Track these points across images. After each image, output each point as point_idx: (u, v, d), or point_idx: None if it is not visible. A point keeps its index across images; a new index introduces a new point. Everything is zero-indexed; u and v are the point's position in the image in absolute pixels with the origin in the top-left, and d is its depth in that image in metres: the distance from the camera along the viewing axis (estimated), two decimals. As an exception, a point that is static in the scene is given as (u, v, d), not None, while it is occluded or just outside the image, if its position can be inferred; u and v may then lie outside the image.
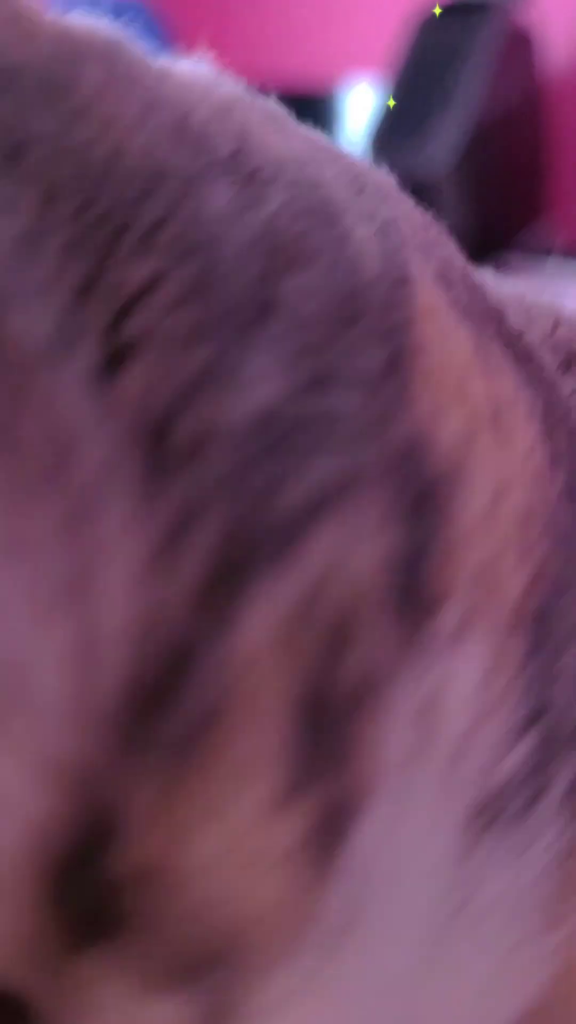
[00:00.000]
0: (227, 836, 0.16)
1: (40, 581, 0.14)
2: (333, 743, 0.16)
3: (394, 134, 1.23)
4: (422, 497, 0.17)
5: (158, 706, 0.15)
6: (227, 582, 0.15)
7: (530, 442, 0.18)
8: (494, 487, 0.18)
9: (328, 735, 0.16)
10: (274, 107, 0.21)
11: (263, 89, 0.20)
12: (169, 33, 1.35)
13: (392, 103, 1.24)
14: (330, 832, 0.16)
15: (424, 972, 0.18)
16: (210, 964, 0.16)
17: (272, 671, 0.16)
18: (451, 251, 0.21)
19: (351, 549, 0.16)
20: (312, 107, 1.44)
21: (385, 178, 0.21)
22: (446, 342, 0.18)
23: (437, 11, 1.26)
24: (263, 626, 0.15)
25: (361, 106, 1.42)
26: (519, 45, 1.27)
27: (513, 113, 1.29)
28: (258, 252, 0.17)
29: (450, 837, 0.17)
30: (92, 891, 0.15)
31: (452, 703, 0.17)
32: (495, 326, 0.20)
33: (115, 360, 0.15)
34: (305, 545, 0.16)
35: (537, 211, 1.35)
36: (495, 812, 0.18)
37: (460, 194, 1.23)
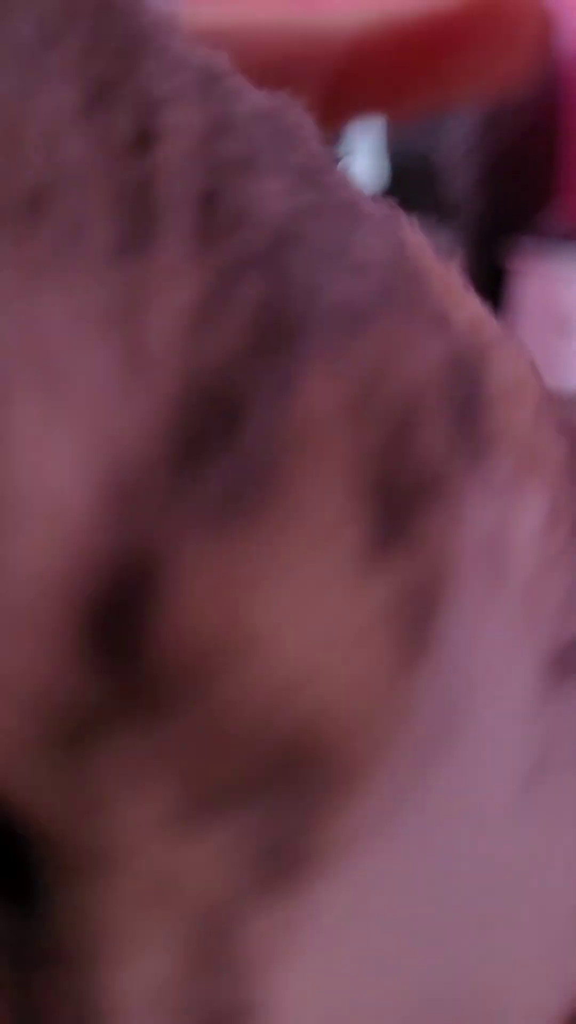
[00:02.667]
0: (299, 598, 0.14)
1: (89, 303, 0.14)
2: (407, 526, 0.15)
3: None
4: (466, 353, 0.17)
5: (207, 450, 0.14)
6: (282, 343, 0.15)
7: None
8: (519, 373, 0.18)
9: (401, 519, 0.15)
10: None
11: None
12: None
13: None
14: (415, 613, 0.15)
15: (499, 852, 0.15)
16: (276, 771, 0.14)
17: (336, 440, 0.15)
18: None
19: (413, 344, 0.16)
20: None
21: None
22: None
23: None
24: (325, 397, 0.15)
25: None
26: (536, 27, 1.26)
27: (529, 95, 1.29)
28: None
29: (528, 680, 0.16)
30: (130, 644, 0.13)
31: (518, 541, 0.16)
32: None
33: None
34: (371, 324, 0.15)
35: (552, 195, 1.34)
36: (572, 664, 0.16)
37: (474, 177, 1.23)
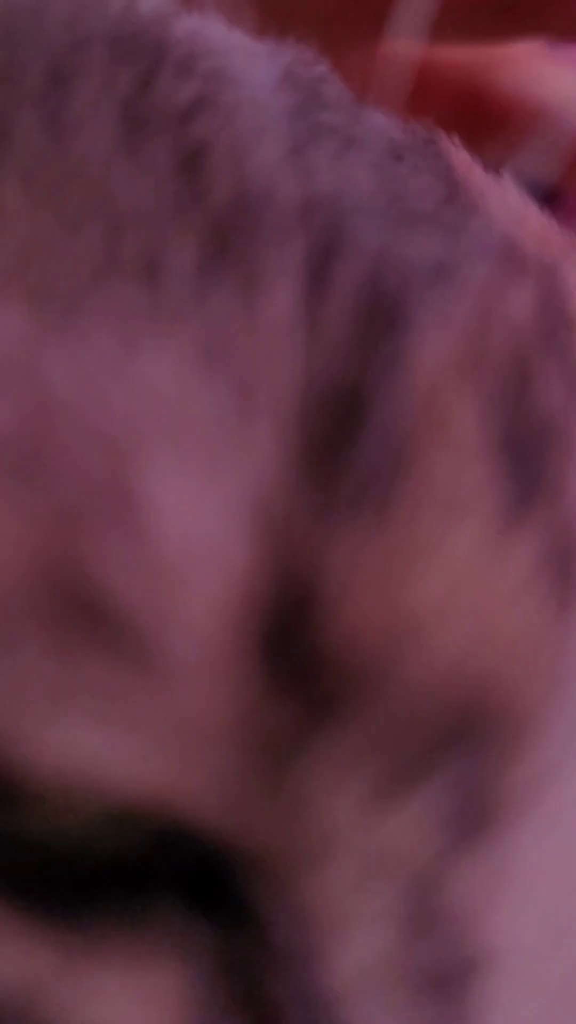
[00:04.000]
0: (449, 576, 0.14)
1: (186, 339, 0.14)
2: (540, 476, 0.15)
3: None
4: (546, 279, 0.16)
5: (340, 452, 0.14)
6: (388, 319, 0.14)
7: None
8: None
9: (533, 469, 0.15)
10: None
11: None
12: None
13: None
14: (562, 560, 0.15)
15: None
16: (456, 737, 0.14)
17: (458, 404, 0.14)
18: None
19: (505, 285, 0.16)
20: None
21: None
22: None
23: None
24: (440, 357, 0.15)
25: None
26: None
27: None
28: None
29: None
30: (306, 661, 0.13)
31: None
32: None
33: None
34: (461, 275, 0.15)
35: (554, 196, 1.34)
36: None
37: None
